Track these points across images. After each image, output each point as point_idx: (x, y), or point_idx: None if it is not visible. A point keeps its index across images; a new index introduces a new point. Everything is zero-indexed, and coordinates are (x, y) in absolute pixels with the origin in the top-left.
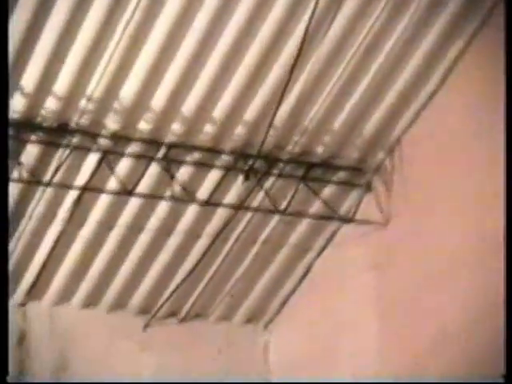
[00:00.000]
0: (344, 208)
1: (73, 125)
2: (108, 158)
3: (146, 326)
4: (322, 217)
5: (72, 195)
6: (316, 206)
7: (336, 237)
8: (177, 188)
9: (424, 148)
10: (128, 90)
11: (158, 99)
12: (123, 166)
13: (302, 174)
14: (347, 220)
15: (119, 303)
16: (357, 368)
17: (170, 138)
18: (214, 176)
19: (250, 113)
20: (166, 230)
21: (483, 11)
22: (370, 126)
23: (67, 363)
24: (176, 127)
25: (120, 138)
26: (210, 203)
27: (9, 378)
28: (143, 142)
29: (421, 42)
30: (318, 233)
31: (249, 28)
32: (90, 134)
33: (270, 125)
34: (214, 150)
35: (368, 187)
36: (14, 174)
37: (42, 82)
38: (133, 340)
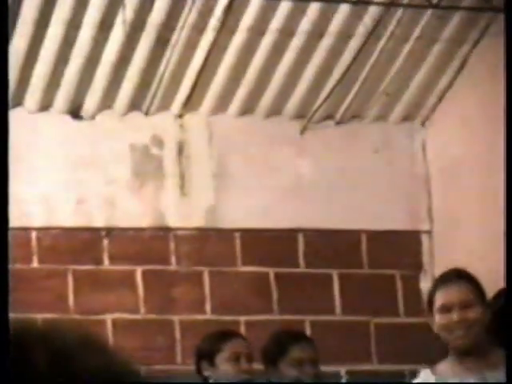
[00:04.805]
0: None
1: None
2: None
3: (303, 130)
4: (475, 8)
5: (222, 2)
6: None
7: (490, 28)
8: None
9: None
10: None
11: None
12: None
13: None
14: (501, 10)
15: (275, 109)
16: None
17: None
18: None
19: None
20: (317, 32)
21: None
22: None
23: (227, 169)
24: None
25: None
26: (360, 1)
27: None
28: None
29: None
30: (472, 25)
31: None
32: None
33: None
34: None
35: None
36: None
37: None
38: (290, 144)
